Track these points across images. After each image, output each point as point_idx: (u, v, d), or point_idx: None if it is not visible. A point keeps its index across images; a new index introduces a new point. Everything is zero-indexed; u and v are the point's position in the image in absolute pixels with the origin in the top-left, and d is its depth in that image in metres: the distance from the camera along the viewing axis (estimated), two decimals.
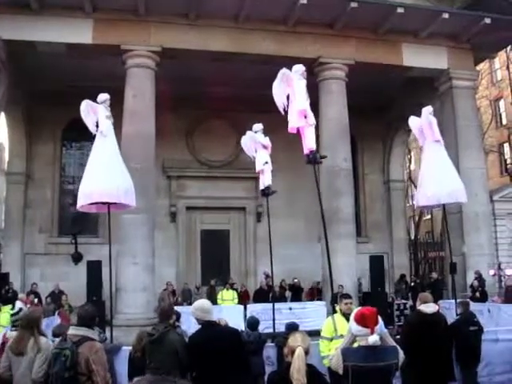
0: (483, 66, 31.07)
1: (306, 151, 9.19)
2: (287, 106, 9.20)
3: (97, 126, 9.74)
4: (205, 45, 17.69)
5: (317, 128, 18.44)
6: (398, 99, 23.60)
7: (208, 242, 23.51)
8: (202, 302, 6.11)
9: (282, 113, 9.37)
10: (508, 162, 35.54)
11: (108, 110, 9.88)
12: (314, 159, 9.17)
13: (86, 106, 9.80)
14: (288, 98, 9.20)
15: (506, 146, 35.93)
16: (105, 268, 16.38)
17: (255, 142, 12.94)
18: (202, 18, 17.48)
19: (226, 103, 21.86)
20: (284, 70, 9.27)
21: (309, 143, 9.11)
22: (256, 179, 23.61)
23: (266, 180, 12.86)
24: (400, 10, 17.66)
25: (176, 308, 7.58)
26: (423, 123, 10.91)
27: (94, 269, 15.67)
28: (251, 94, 21.65)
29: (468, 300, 9.56)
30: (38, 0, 16.29)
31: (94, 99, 21.14)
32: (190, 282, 22.06)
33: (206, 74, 19.76)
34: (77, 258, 21.20)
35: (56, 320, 13.26)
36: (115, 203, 9.64)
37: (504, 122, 36.40)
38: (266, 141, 12.83)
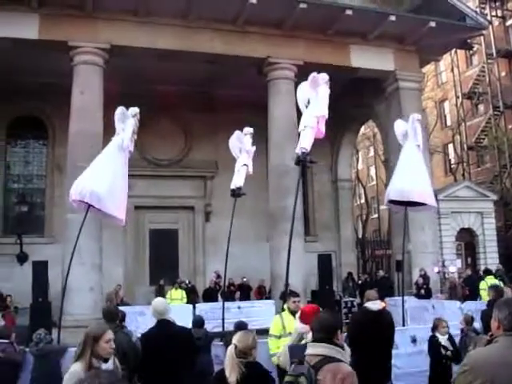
0: (429, 69, 31.75)
1: (297, 150, 9.17)
2: (306, 107, 9.23)
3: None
4: (153, 43, 17.55)
5: (266, 128, 18.68)
6: (346, 100, 23.85)
7: (156, 241, 23.32)
8: (159, 303, 6.13)
9: (303, 112, 9.36)
10: (452, 162, 36.39)
11: (136, 126, 9.85)
12: (304, 160, 9.13)
13: (120, 112, 9.75)
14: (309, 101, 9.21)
15: (451, 147, 36.75)
16: (52, 268, 16.18)
17: (240, 143, 12.94)
18: (150, 16, 17.33)
19: (174, 102, 21.77)
20: (314, 74, 9.28)
21: (303, 143, 9.07)
22: (205, 178, 23.79)
23: (238, 181, 12.85)
24: (348, 12, 17.91)
25: (123, 308, 7.55)
26: (409, 128, 11.23)
27: (40, 269, 15.38)
28: (199, 93, 21.67)
29: None
30: None
31: (41, 96, 20.71)
32: (139, 281, 21.85)
33: (155, 72, 19.66)
34: (22, 258, 20.75)
35: (0, 322, 12.99)
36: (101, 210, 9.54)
37: (448, 123, 37.26)
38: (249, 146, 12.83)
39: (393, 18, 18.51)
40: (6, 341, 7.57)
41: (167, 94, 21.09)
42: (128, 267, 22.65)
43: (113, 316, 5.97)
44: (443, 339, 7.82)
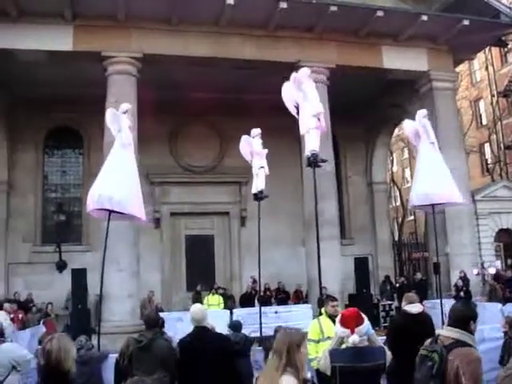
0: (462, 68, 31.33)
1: (306, 153, 9.18)
2: (298, 110, 9.24)
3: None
4: (185, 50, 17.67)
5: (298, 131, 18.60)
6: (379, 101, 23.72)
7: (193, 247, 23.42)
8: (197, 310, 6.13)
9: (296, 116, 9.39)
10: (489, 161, 35.83)
11: (130, 120, 9.99)
12: (315, 161, 9.13)
13: (111, 113, 9.89)
14: (298, 102, 9.24)
15: (487, 146, 36.19)
16: (88, 275, 16.40)
17: (250, 147, 12.92)
18: (182, 23, 17.46)
19: (208, 108, 21.87)
20: (295, 74, 9.31)
21: (311, 145, 9.07)
22: (239, 184, 23.83)
23: (259, 184, 12.83)
24: (379, 14, 17.79)
25: (162, 314, 7.61)
26: (418, 126, 11.01)
27: (79, 277, 15.60)
28: (232, 99, 21.69)
29: None
30: (17, 7, 16.20)
31: (76, 107, 20.98)
32: (176, 287, 21.96)
33: (188, 78, 19.73)
34: (61, 266, 21.08)
35: (42, 329, 13.20)
36: (123, 213, 9.61)
37: (484, 122, 36.68)
38: (259, 148, 12.80)
39: (425, 17, 18.32)
40: None
41: (200, 100, 21.19)
42: (165, 274, 22.81)
43: (153, 322, 6.00)
44: None
